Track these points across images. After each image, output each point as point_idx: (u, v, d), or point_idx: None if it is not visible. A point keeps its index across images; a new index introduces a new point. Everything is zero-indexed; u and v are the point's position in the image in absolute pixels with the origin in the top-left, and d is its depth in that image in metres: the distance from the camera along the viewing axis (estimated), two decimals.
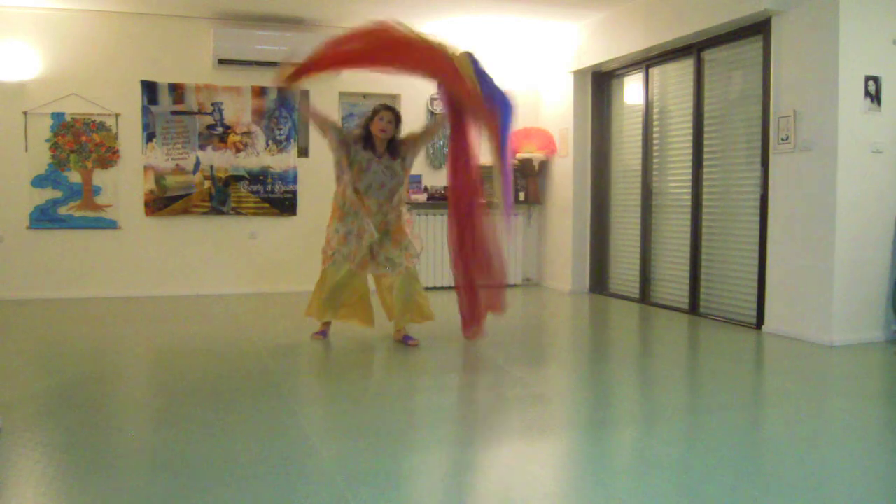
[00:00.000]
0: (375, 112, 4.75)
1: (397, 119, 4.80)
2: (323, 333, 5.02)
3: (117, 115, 6.95)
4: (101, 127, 6.91)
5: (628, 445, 3.11)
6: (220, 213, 7.21)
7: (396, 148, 4.81)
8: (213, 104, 7.12)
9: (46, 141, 6.78)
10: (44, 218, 6.82)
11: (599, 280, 7.61)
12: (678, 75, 6.49)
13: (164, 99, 7.01)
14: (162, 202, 7.05)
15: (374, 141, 4.74)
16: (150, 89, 6.98)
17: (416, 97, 7.62)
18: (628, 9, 6.57)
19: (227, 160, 7.18)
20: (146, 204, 7.02)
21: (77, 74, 6.84)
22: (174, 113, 7.04)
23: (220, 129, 7.16)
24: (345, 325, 5.11)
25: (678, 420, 3.50)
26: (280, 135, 7.30)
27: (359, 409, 3.69)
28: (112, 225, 6.99)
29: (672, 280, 6.59)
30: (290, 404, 3.57)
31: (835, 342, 4.88)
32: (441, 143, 7.65)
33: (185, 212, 7.12)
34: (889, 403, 3.88)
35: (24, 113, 6.73)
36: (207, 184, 7.15)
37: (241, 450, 2.91)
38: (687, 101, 6.31)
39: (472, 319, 4.83)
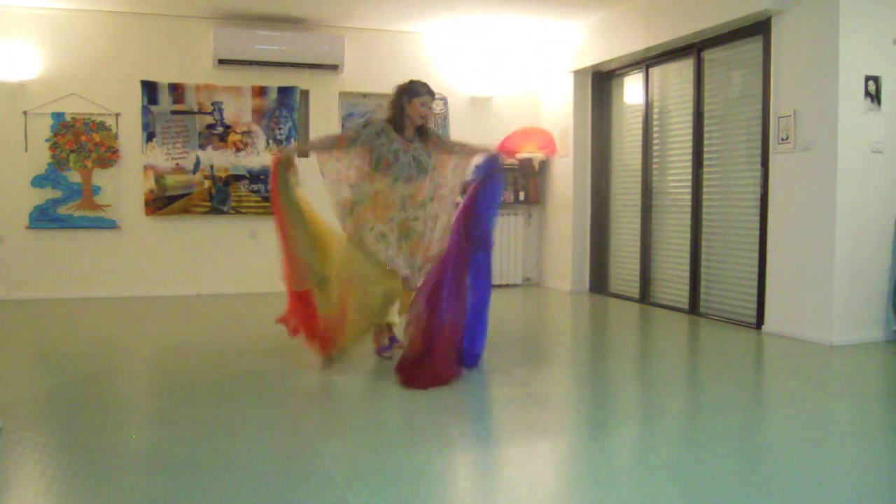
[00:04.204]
0: (416, 94, 4.14)
1: None
2: (388, 348, 4.56)
3: (117, 115, 6.95)
4: (101, 127, 6.90)
5: (628, 445, 3.11)
6: (221, 212, 7.20)
7: (427, 133, 4.28)
8: (213, 104, 7.11)
9: (46, 141, 6.78)
10: (43, 218, 6.82)
11: (599, 280, 7.61)
12: (678, 75, 6.48)
13: (164, 99, 7.01)
14: (162, 201, 7.04)
15: (404, 124, 4.18)
16: (150, 89, 6.98)
17: None
18: (628, 9, 6.57)
19: (227, 159, 7.18)
20: (146, 203, 7.01)
21: (77, 74, 6.84)
22: (174, 113, 7.04)
23: (220, 129, 7.15)
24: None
25: (678, 420, 3.50)
26: (280, 134, 7.29)
27: (358, 408, 3.69)
28: (112, 225, 6.99)
29: (672, 280, 6.59)
30: (290, 404, 3.56)
31: (835, 342, 4.88)
32: None
33: (186, 211, 7.11)
34: (889, 403, 3.88)
35: (24, 113, 6.73)
36: (208, 183, 7.14)
37: (241, 449, 2.91)
38: (687, 101, 6.31)
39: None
